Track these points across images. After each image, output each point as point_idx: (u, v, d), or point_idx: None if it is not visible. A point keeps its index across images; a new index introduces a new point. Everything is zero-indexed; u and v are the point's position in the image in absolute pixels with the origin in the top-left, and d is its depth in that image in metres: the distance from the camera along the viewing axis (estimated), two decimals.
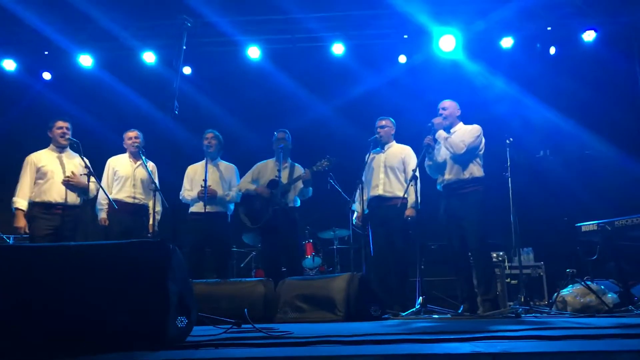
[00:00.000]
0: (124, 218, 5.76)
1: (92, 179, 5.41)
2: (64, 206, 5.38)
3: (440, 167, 5.27)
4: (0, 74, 8.06)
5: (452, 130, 5.29)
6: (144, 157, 5.86)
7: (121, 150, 6.07)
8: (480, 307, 4.99)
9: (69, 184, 5.39)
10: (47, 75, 8.23)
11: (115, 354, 2.11)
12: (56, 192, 5.37)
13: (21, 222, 5.29)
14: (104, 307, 2.29)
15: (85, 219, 5.57)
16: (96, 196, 5.72)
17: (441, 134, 5.22)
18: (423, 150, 5.22)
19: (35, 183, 5.38)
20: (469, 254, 5.22)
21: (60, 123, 5.51)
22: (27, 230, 5.30)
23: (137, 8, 7.27)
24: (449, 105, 5.34)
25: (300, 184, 5.88)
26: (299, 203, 6.06)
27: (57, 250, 2.55)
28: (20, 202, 5.31)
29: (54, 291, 2.32)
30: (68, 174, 5.44)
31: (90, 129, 7.29)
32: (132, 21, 7.55)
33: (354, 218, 5.83)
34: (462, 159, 5.11)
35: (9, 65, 8.00)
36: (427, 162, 5.33)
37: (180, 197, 6.08)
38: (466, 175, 5.12)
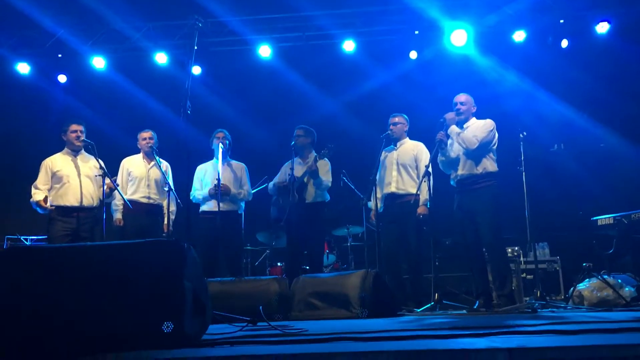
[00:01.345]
0: (139, 218, 5.80)
1: (107, 180, 5.45)
2: (81, 209, 5.43)
3: (453, 163, 5.25)
4: (15, 78, 8.14)
5: (465, 125, 5.25)
6: (157, 157, 5.89)
7: (135, 151, 6.11)
8: (496, 303, 4.97)
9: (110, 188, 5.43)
10: (62, 78, 8.30)
11: (132, 352, 2.13)
12: (72, 196, 5.42)
13: (42, 203, 5.30)
14: (121, 306, 2.31)
15: (101, 219, 5.61)
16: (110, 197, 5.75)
17: (453, 129, 5.18)
18: (435, 146, 5.20)
19: (51, 187, 5.43)
20: (484, 249, 5.20)
21: (74, 126, 5.54)
22: (50, 207, 5.32)
23: (149, 9, 7.32)
24: (465, 100, 5.28)
25: (310, 178, 5.89)
26: (325, 197, 6.02)
27: (75, 250, 2.58)
28: (39, 194, 5.34)
29: (71, 291, 2.34)
30: (83, 177, 5.49)
31: (103, 130, 7.35)
32: (143, 22, 7.61)
33: (370, 216, 5.81)
34: (475, 154, 5.08)
35: (23, 68, 8.08)
36: (439, 158, 5.30)
37: (191, 197, 6.10)
38: (479, 170, 5.08)
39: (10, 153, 8.07)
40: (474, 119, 5.30)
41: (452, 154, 5.23)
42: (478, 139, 5.04)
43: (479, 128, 5.14)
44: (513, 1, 7.10)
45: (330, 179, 6.03)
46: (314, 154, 6.00)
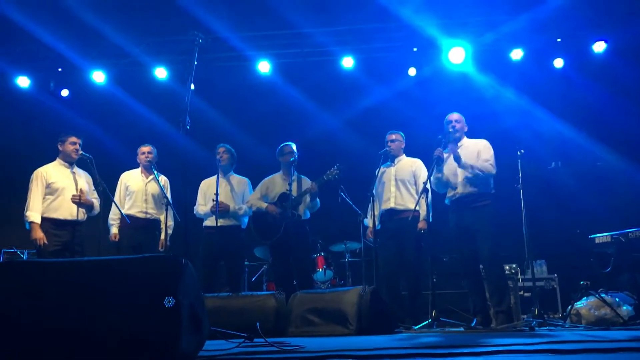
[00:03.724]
0: (136, 233, 5.79)
1: (96, 195, 5.43)
2: (74, 222, 5.38)
3: (448, 182, 5.26)
4: (15, 91, 8.17)
5: (459, 144, 5.28)
6: (156, 172, 5.89)
7: (134, 165, 6.12)
8: (494, 319, 4.96)
9: (78, 202, 5.39)
10: (65, 92, 8.32)
11: None
12: (66, 209, 5.36)
13: (39, 234, 5.23)
14: (117, 322, 2.30)
15: (95, 234, 5.58)
16: (105, 211, 5.71)
17: (466, 163, 5.10)
18: (433, 163, 5.21)
19: (43, 198, 5.34)
20: (481, 266, 5.20)
21: (73, 138, 5.51)
22: (45, 242, 5.24)
23: (149, 24, 7.36)
24: (459, 119, 5.34)
25: (308, 197, 5.89)
26: (309, 215, 6.06)
27: (70, 265, 2.57)
28: (34, 215, 5.27)
29: (67, 306, 2.33)
30: (81, 190, 5.45)
31: (102, 144, 7.35)
32: (144, 37, 7.64)
33: (367, 233, 5.80)
34: (476, 174, 5.09)
35: (23, 82, 8.11)
36: (435, 175, 5.29)
37: (195, 212, 6.11)
38: (478, 189, 5.09)
39: (8, 166, 8.06)
40: (465, 137, 5.33)
41: (448, 172, 5.24)
42: (492, 163, 5.07)
43: (484, 150, 5.15)
44: (510, 20, 7.16)
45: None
46: (295, 173, 5.97)
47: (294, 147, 6.10)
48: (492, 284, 5.08)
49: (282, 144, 6.15)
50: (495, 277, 5.06)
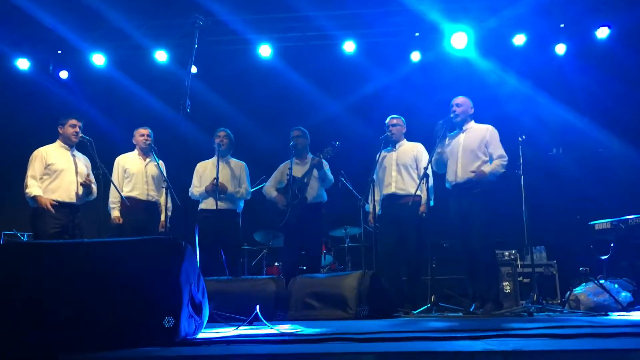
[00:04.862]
0: (138, 215, 5.78)
1: (93, 179, 5.42)
2: (72, 205, 5.34)
3: (447, 164, 5.25)
4: (14, 73, 8.13)
5: (464, 128, 5.26)
6: (155, 155, 5.87)
7: (132, 148, 6.09)
8: (482, 307, 4.90)
9: (85, 185, 5.37)
10: (64, 74, 8.29)
11: (128, 350, 2.13)
12: (65, 192, 5.31)
13: (45, 200, 5.15)
14: (118, 303, 2.31)
15: (94, 217, 5.56)
16: (105, 194, 5.69)
17: (481, 175, 5.06)
18: (442, 129, 5.20)
19: (41, 179, 5.28)
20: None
21: (74, 121, 5.46)
22: (52, 203, 5.19)
23: (150, 7, 7.31)
24: (462, 102, 5.30)
25: (316, 174, 5.88)
26: (324, 197, 6.05)
27: (72, 247, 2.58)
28: (36, 189, 5.19)
29: (68, 287, 2.34)
30: (79, 174, 5.42)
31: (102, 127, 7.34)
32: (144, 20, 7.59)
33: (369, 218, 5.80)
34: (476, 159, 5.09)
35: (23, 64, 8.07)
36: (437, 150, 5.27)
37: (190, 194, 6.08)
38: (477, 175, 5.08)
39: (8, 149, 8.04)
40: (472, 122, 5.31)
41: (449, 154, 5.24)
42: (502, 159, 5.07)
43: (493, 143, 5.14)
44: (513, 5, 7.10)
45: (332, 177, 6.06)
46: (310, 155, 6.01)
47: (295, 132, 6.10)
48: (480, 271, 5.04)
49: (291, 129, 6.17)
50: (483, 265, 5.02)
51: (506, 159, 5.10)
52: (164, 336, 2.25)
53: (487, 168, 5.08)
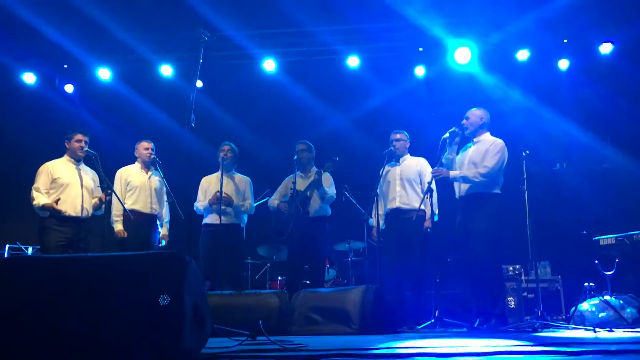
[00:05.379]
0: (141, 228, 5.77)
1: (101, 193, 5.44)
2: (77, 219, 5.36)
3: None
4: (21, 87, 8.19)
5: (475, 140, 5.21)
6: (159, 168, 5.88)
7: (134, 161, 6.09)
8: (486, 323, 4.85)
9: (102, 201, 5.39)
10: (69, 88, 8.35)
11: None
12: (71, 205, 5.32)
13: (52, 203, 5.17)
14: (120, 318, 2.30)
15: (97, 230, 5.56)
16: (108, 207, 5.70)
17: (454, 173, 5.09)
18: (445, 145, 5.16)
19: (47, 192, 5.31)
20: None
21: (79, 136, 5.48)
22: (56, 206, 5.20)
23: (155, 22, 7.37)
24: (470, 115, 5.22)
25: (316, 193, 5.89)
26: (328, 211, 6.05)
27: (75, 261, 2.57)
28: (42, 198, 5.21)
29: (71, 302, 2.34)
30: (85, 188, 5.45)
31: (107, 141, 7.37)
32: (150, 35, 7.65)
33: (373, 232, 5.78)
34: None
35: (29, 78, 8.14)
36: (447, 156, 5.23)
37: (195, 208, 6.10)
38: (480, 189, 5.04)
39: (14, 162, 8.09)
40: (487, 134, 5.21)
41: (457, 164, 5.22)
42: (485, 171, 4.95)
43: (488, 155, 5.02)
44: (516, 20, 7.13)
45: (335, 192, 6.06)
46: (315, 168, 6.02)
47: (300, 146, 6.12)
48: (485, 286, 4.98)
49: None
50: (488, 279, 4.96)
51: (488, 172, 4.93)
52: (166, 352, 2.24)
53: (466, 173, 5.02)
